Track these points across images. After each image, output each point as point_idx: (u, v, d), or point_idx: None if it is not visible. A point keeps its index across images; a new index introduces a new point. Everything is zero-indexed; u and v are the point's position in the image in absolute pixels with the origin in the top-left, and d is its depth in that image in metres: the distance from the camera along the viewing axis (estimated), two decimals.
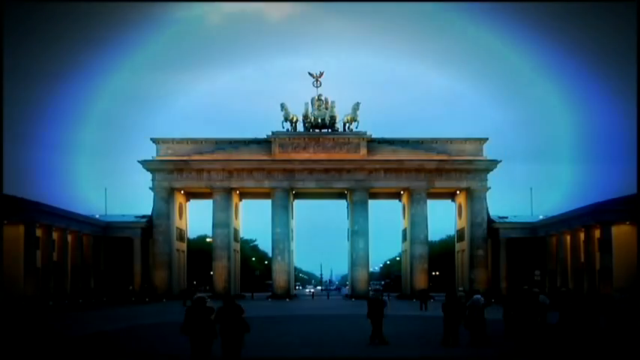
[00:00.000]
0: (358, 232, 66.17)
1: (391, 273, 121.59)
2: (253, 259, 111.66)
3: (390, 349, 19.42)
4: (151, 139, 67.26)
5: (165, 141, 67.13)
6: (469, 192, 66.78)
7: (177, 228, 69.40)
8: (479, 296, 21.19)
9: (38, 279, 55.52)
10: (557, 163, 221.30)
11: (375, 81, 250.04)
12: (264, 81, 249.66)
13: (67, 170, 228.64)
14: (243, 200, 75.02)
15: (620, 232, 53.50)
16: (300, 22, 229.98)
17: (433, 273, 78.18)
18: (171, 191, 67.11)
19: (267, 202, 68.19)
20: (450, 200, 73.43)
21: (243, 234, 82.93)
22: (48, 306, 48.95)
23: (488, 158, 66.39)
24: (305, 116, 66.58)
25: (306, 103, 67.09)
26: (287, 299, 64.33)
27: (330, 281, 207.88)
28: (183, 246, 72.86)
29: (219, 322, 13.62)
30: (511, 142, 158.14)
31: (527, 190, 75.94)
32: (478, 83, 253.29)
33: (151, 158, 66.53)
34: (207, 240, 77.26)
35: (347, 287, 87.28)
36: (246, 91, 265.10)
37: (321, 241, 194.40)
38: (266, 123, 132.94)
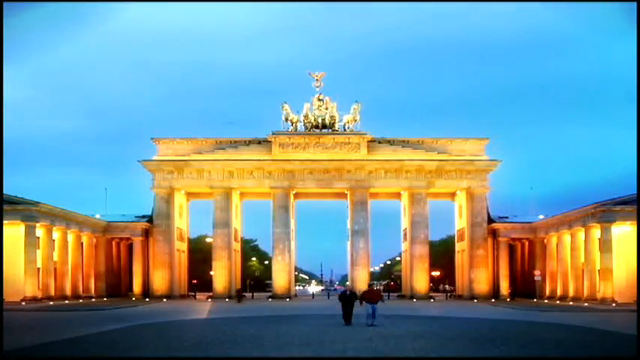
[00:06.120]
0: (358, 232, 66.13)
1: (392, 273, 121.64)
2: (253, 259, 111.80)
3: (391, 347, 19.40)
4: (151, 138, 67.30)
5: (165, 141, 67.13)
6: (469, 192, 66.74)
7: (177, 228, 69.36)
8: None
9: (38, 279, 55.61)
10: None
11: (375, 81, 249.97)
12: (264, 80, 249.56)
13: (67, 170, 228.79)
14: (244, 200, 74.99)
15: (620, 232, 53.51)
16: (301, 21, 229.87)
17: (433, 273, 78.16)
18: (172, 191, 67.09)
19: (268, 202, 68.19)
20: (450, 200, 73.39)
21: (243, 234, 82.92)
22: (48, 306, 48.93)
23: (488, 158, 66.35)
24: (305, 116, 66.59)
25: (307, 103, 67.09)
26: (287, 299, 64.30)
27: (331, 281, 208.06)
28: (184, 246, 72.80)
29: None
30: (512, 142, 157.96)
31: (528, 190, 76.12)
32: (479, 82, 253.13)
33: (151, 158, 66.54)
34: (207, 240, 77.23)
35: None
36: (247, 91, 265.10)
37: (321, 241, 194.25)
38: (266, 123, 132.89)
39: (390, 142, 66.66)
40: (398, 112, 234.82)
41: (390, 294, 79.38)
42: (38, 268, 55.67)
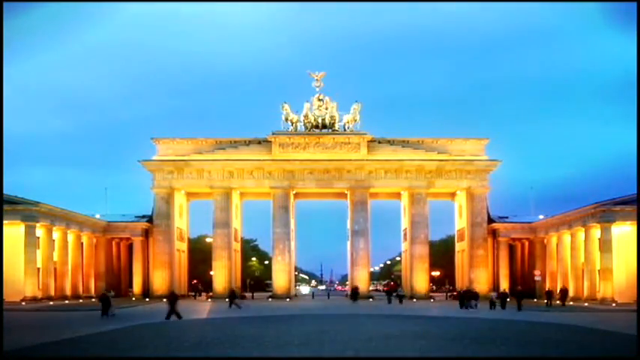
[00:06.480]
0: (358, 232, 66.13)
1: (392, 273, 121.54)
2: (253, 259, 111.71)
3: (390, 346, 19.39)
4: (151, 138, 67.28)
5: (165, 141, 67.12)
6: (469, 192, 66.72)
7: (177, 228, 69.37)
8: None
9: (38, 279, 55.61)
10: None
11: (375, 80, 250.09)
12: (264, 80, 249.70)
13: (67, 170, 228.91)
14: (244, 200, 74.97)
15: (620, 232, 53.51)
16: (301, 21, 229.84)
17: (433, 273, 78.14)
18: (172, 191, 67.08)
19: (268, 202, 68.19)
20: (450, 200, 73.38)
21: (243, 234, 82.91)
22: (48, 306, 48.92)
23: (488, 158, 66.33)
24: (305, 116, 66.61)
25: (307, 103, 67.10)
26: (287, 299, 64.30)
27: (332, 281, 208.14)
28: (184, 246, 72.80)
29: None
30: (512, 141, 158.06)
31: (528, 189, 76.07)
32: (480, 82, 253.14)
33: (151, 158, 66.53)
34: (207, 240, 77.24)
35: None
36: (247, 91, 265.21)
37: (321, 241, 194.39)
38: (266, 123, 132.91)
39: (390, 142, 66.66)
40: (398, 112, 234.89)
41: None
42: (38, 268, 55.67)
